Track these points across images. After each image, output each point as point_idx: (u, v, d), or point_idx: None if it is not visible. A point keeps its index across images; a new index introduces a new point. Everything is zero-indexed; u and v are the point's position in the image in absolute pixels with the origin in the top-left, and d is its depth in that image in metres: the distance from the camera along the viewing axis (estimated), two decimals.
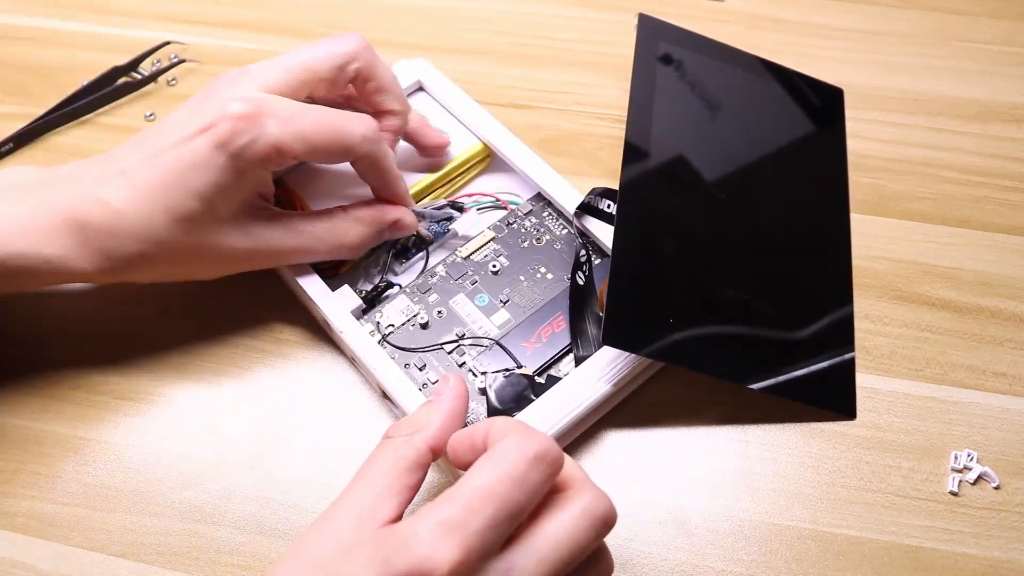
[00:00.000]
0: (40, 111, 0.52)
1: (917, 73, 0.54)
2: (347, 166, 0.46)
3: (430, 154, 0.47)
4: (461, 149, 0.47)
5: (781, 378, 0.40)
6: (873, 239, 0.47)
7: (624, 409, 0.41)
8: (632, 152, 0.43)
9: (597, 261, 0.43)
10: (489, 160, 0.48)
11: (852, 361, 0.42)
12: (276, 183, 0.43)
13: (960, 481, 0.39)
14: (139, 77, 0.54)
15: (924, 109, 0.52)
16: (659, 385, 0.42)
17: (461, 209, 0.44)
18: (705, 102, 0.48)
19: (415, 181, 0.46)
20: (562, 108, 0.53)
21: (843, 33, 0.56)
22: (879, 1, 0.58)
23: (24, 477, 0.40)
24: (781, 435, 0.40)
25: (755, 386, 0.39)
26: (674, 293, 0.40)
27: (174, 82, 0.54)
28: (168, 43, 0.55)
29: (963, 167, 0.50)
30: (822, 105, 0.52)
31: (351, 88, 0.41)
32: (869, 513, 0.38)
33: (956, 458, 0.39)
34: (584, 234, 0.44)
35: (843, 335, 0.43)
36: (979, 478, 0.39)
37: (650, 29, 0.49)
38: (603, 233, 0.43)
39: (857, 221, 0.47)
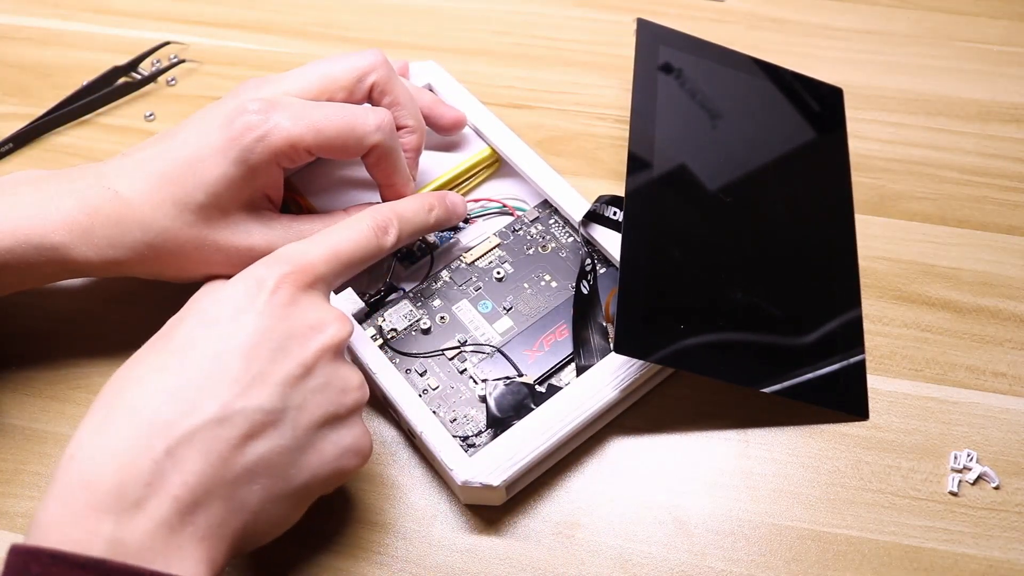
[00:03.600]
0: (40, 111, 0.52)
1: (917, 73, 0.54)
2: (355, 171, 0.46)
3: (447, 132, 0.46)
4: (470, 153, 0.47)
5: (793, 381, 0.40)
6: (873, 239, 0.47)
7: (624, 410, 0.41)
8: (636, 162, 0.43)
9: (602, 270, 0.43)
10: (498, 165, 0.47)
11: (863, 363, 0.42)
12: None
13: (960, 481, 0.39)
14: (139, 77, 0.54)
15: (924, 109, 0.52)
16: (659, 387, 0.42)
17: (467, 220, 0.44)
18: (707, 108, 0.48)
19: (422, 185, 0.46)
20: (562, 108, 0.53)
21: (843, 33, 0.56)
22: (879, 1, 0.58)
23: (24, 477, 0.40)
24: (781, 435, 0.40)
25: (768, 389, 0.39)
26: (683, 299, 0.40)
27: (173, 82, 0.54)
28: (168, 43, 0.55)
29: (963, 167, 0.50)
30: (823, 105, 0.52)
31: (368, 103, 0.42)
32: (869, 513, 0.38)
33: (956, 458, 0.39)
34: (590, 243, 0.44)
35: (853, 336, 0.43)
36: (979, 478, 0.39)
37: (649, 34, 0.49)
38: (609, 243, 0.43)
39: (857, 221, 0.47)
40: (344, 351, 0.34)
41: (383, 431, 0.41)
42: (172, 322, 0.33)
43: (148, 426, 0.29)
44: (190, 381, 0.30)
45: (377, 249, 0.37)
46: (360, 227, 0.36)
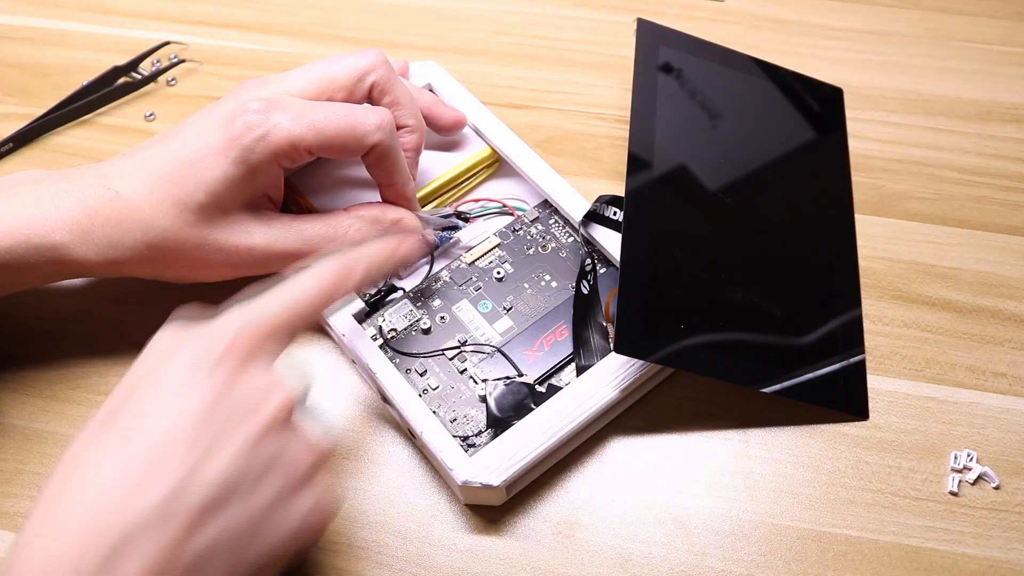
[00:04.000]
0: (40, 111, 0.52)
1: (917, 73, 0.54)
2: (355, 171, 0.46)
3: (447, 132, 0.47)
4: (470, 153, 0.47)
5: (793, 381, 0.40)
6: (873, 239, 0.47)
7: (624, 410, 0.41)
8: (636, 162, 0.43)
9: (602, 270, 0.43)
10: (498, 165, 0.47)
11: (863, 363, 0.42)
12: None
13: (960, 481, 0.39)
14: (139, 77, 0.54)
15: (924, 109, 0.52)
16: (659, 387, 0.42)
17: (467, 220, 0.44)
18: (707, 108, 0.48)
19: (422, 185, 0.46)
20: (562, 108, 0.53)
21: (843, 33, 0.56)
22: (879, 1, 0.58)
23: (24, 477, 0.40)
24: (781, 435, 0.40)
25: (768, 389, 0.39)
26: (683, 299, 0.40)
27: (174, 82, 0.54)
28: (168, 43, 0.55)
29: (963, 167, 0.50)
30: (823, 105, 0.52)
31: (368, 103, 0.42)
32: (869, 513, 0.38)
33: (956, 458, 0.39)
34: (590, 243, 0.44)
35: (853, 336, 0.43)
36: (979, 478, 0.39)
37: (649, 35, 0.49)
38: (609, 243, 0.43)
39: (857, 221, 0.47)
40: (293, 415, 0.32)
41: (383, 431, 0.41)
42: (117, 394, 0.31)
43: (94, 519, 0.28)
44: (133, 466, 0.29)
45: (334, 300, 0.35)
46: (319, 277, 0.35)
